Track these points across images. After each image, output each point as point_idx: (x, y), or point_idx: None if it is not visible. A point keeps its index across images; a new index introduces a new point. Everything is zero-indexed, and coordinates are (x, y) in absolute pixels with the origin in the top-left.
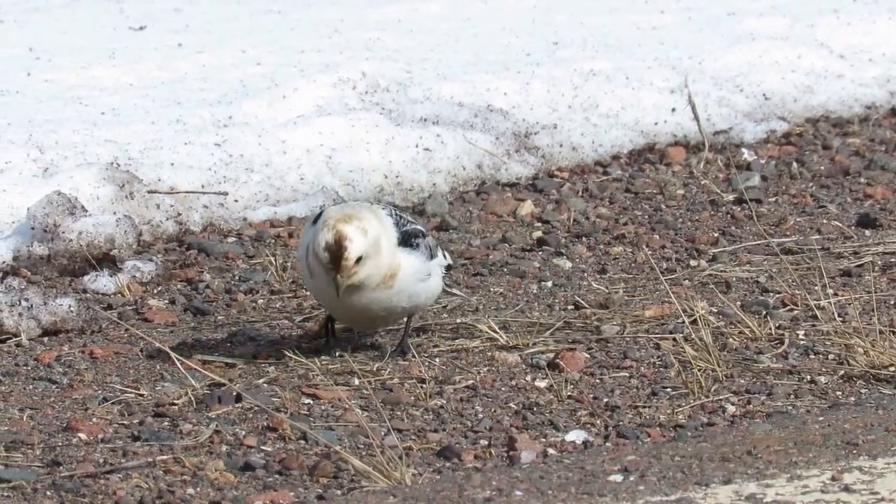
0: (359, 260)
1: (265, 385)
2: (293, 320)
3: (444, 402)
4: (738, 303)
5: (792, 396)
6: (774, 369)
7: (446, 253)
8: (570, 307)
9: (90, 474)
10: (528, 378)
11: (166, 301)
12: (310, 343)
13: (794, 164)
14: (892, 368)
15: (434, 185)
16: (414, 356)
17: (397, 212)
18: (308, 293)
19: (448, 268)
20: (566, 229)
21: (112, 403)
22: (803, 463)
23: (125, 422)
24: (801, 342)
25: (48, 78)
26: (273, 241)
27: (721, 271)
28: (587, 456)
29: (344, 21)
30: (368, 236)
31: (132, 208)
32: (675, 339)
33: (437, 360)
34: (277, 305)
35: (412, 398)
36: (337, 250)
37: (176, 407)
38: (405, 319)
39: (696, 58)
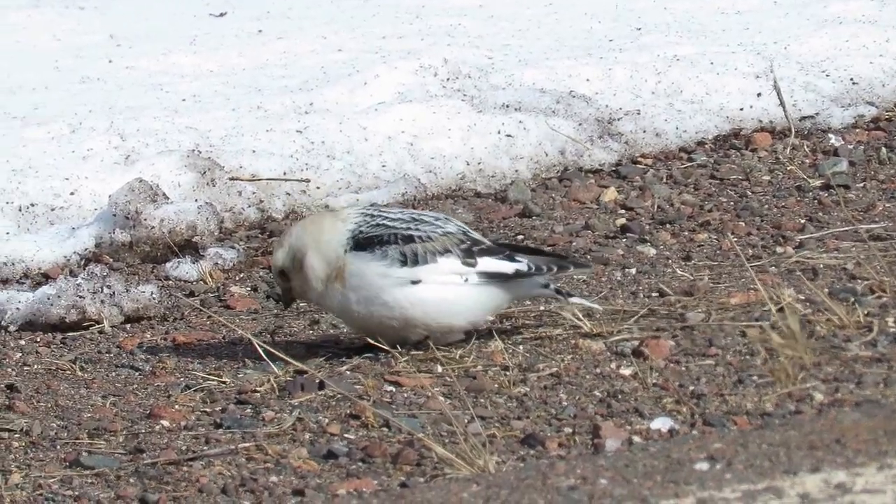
0: (282, 273)
1: (348, 372)
2: None
3: (528, 389)
4: (826, 290)
5: (881, 385)
6: (863, 357)
7: (487, 259)
8: (654, 294)
9: (173, 461)
10: (613, 366)
11: (248, 288)
12: None
13: (883, 150)
14: None
15: (516, 171)
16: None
17: (378, 220)
18: None
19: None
20: (650, 216)
21: (195, 390)
22: (894, 452)
23: (208, 409)
24: (891, 330)
25: (129, 65)
26: None
27: (808, 258)
28: (673, 444)
29: (425, 7)
30: (284, 247)
31: (214, 195)
32: (761, 327)
33: (520, 347)
34: None
35: (496, 386)
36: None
37: (258, 394)
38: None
39: (782, 42)
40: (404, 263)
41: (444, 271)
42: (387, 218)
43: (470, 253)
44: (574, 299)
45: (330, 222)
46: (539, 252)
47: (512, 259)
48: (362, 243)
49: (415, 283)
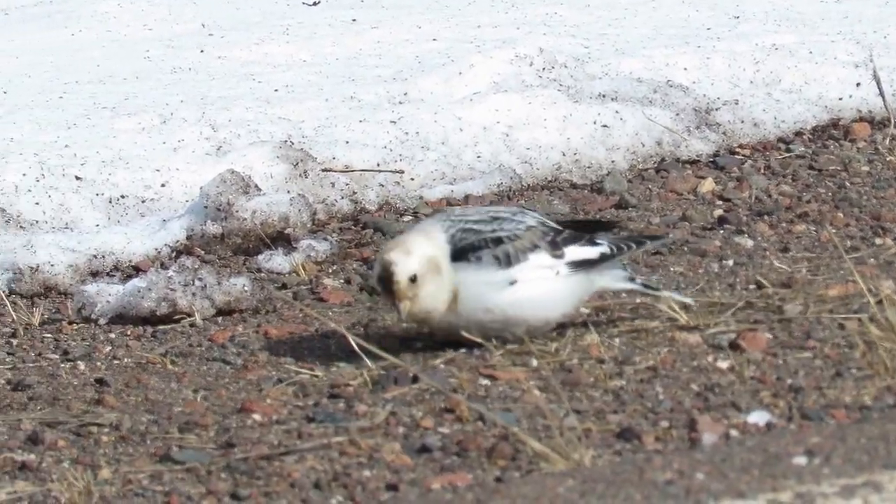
0: (413, 279)
1: (442, 366)
2: None
3: (624, 383)
4: None
5: None
6: None
7: (573, 248)
8: (751, 286)
9: (265, 456)
10: (710, 359)
11: (341, 280)
12: None
13: None
14: None
15: (613, 162)
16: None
17: (463, 224)
18: None
19: (598, 259)
20: (748, 207)
21: (287, 384)
22: None
23: (300, 403)
24: None
25: (221, 55)
26: None
27: None
28: (770, 438)
29: None
30: (414, 254)
31: (306, 187)
32: (860, 320)
33: (616, 340)
34: None
35: (591, 379)
36: (386, 276)
37: (351, 388)
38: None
39: (882, 31)
40: (500, 266)
41: (536, 267)
42: (469, 221)
43: (556, 245)
44: (663, 293)
45: (428, 235)
46: (596, 223)
47: (594, 243)
48: (459, 253)
49: (512, 283)
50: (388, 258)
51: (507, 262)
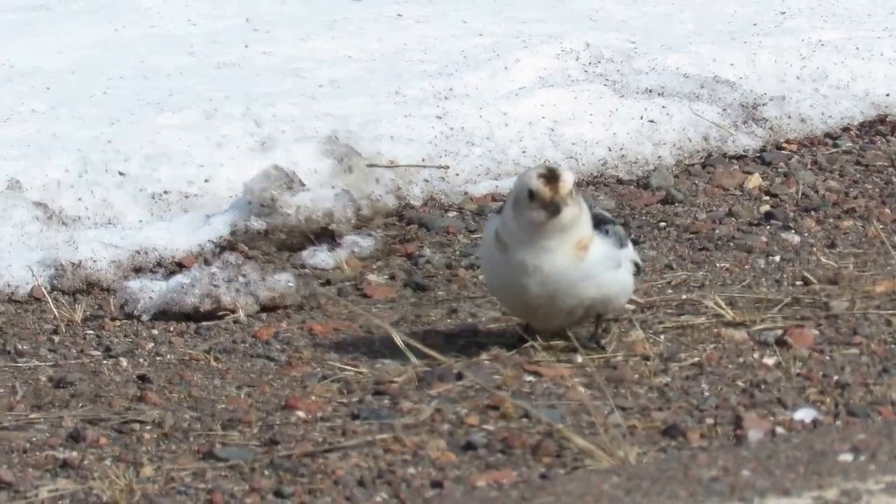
0: (571, 193)
1: (486, 363)
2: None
3: (669, 379)
4: None
5: None
6: None
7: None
8: (798, 282)
9: (308, 453)
10: (756, 355)
11: (386, 276)
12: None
13: None
14: None
15: (659, 157)
16: (603, 348)
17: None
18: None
19: (637, 268)
20: (794, 203)
21: (331, 381)
22: None
23: (344, 400)
24: None
25: (266, 50)
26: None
27: None
28: (816, 435)
29: None
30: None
31: (351, 182)
32: None
33: (661, 336)
34: None
35: (636, 376)
36: (555, 174)
37: (396, 385)
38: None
39: None
40: (619, 247)
41: (628, 257)
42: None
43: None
44: None
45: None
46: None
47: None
48: (596, 222)
49: (618, 266)
50: (554, 166)
51: (621, 244)
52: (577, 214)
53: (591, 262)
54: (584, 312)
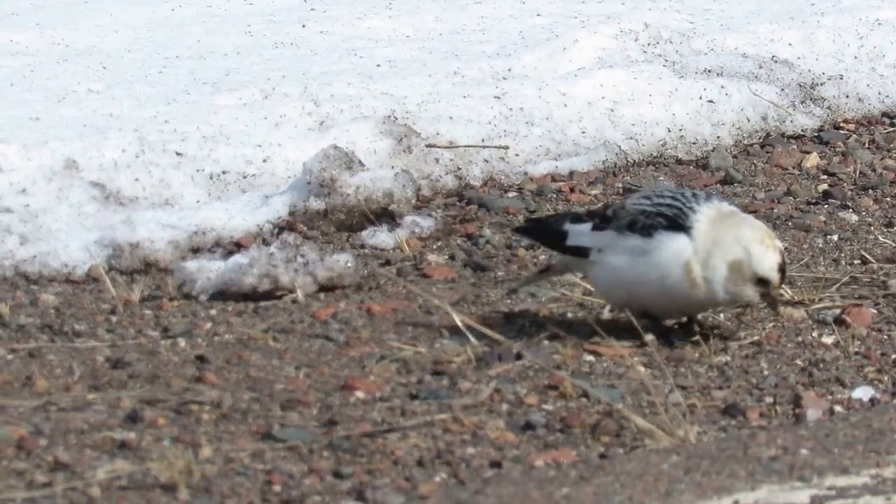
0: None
1: (546, 343)
2: (575, 275)
3: (729, 358)
4: None
5: None
6: None
7: None
8: (856, 261)
9: (367, 434)
10: (815, 334)
11: (446, 257)
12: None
13: None
14: None
15: (718, 137)
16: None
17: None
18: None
19: None
20: (852, 182)
21: (390, 361)
22: None
23: (403, 380)
24: None
25: (323, 29)
26: (554, 195)
27: None
28: (874, 413)
29: None
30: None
31: (410, 163)
32: None
33: (721, 315)
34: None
35: (696, 355)
36: (784, 269)
37: (455, 365)
38: None
39: None
40: None
41: None
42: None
43: None
44: None
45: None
46: None
47: None
48: None
49: None
50: (782, 251)
51: None
52: None
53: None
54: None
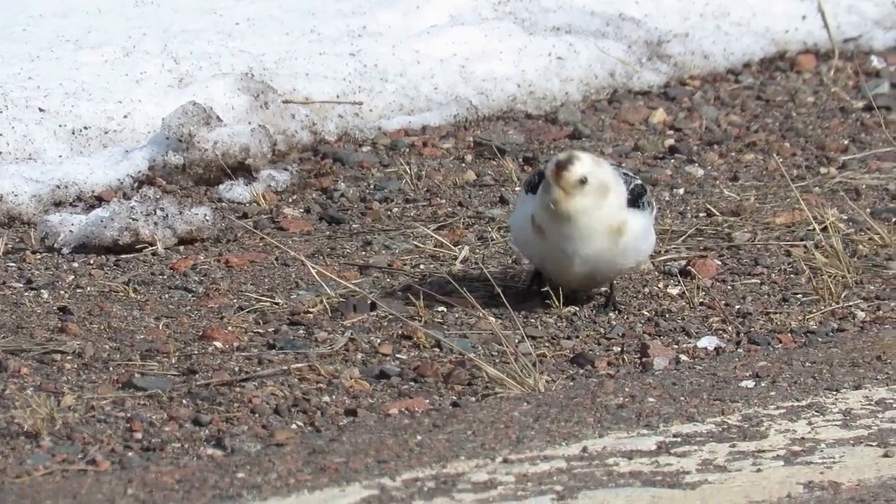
0: (583, 182)
1: (399, 293)
2: (427, 227)
3: (578, 309)
4: (868, 210)
5: None
6: None
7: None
8: (701, 214)
9: (225, 382)
10: (661, 285)
11: (301, 210)
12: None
13: None
14: None
15: (566, 93)
16: (620, 311)
17: (623, 171)
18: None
19: None
20: (698, 137)
21: (247, 312)
22: None
23: (260, 330)
24: None
25: None
26: (408, 149)
27: (851, 178)
28: (719, 362)
29: None
30: (601, 168)
31: (267, 118)
32: (805, 247)
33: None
34: (412, 214)
35: (545, 305)
36: (564, 164)
37: (311, 315)
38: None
39: None
40: (650, 212)
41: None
42: (630, 174)
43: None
44: None
45: (616, 174)
46: None
47: None
48: (634, 199)
49: (649, 234)
50: (579, 153)
51: (651, 210)
52: (587, 206)
53: (628, 242)
54: (616, 276)
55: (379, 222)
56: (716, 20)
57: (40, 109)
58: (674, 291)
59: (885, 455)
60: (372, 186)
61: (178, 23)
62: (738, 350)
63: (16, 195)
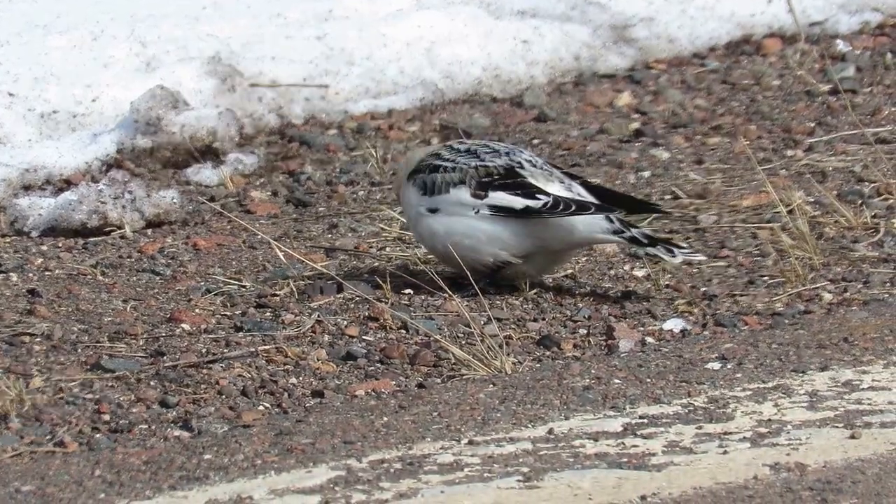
0: (393, 173)
1: (366, 275)
2: (393, 210)
3: (543, 291)
4: (834, 192)
5: (888, 284)
6: (870, 257)
7: (503, 194)
8: (667, 197)
9: (193, 364)
10: (626, 267)
11: (268, 193)
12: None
13: (889, 55)
14: None
15: (532, 77)
16: (478, 293)
17: (451, 148)
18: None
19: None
20: (663, 120)
21: (215, 294)
22: None
23: (228, 312)
24: None
25: None
26: (374, 133)
27: (817, 161)
28: (685, 344)
29: None
30: (407, 157)
31: (234, 102)
32: (771, 229)
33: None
34: (378, 196)
35: (512, 287)
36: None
37: (278, 298)
38: None
39: None
40: (424, 193)
41: (453, 202)
42: (453, 150)
43: (483, 185)
44: (655, 250)
45: (418, 153)
46: (615, 194)
47: (531, 196)
48: (410, 175)
49: (432, 211)
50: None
51: (432, 190)
52: (400, 193)
53: (407, 213)
54: (446, 260)
55: (345, 205)
56: (681, 4)
57: (10, 94)
58: (640, 274)
59: (852, 437)
60: (338, 170)
61: (146, 7)
62: (704, 332)
63: None
